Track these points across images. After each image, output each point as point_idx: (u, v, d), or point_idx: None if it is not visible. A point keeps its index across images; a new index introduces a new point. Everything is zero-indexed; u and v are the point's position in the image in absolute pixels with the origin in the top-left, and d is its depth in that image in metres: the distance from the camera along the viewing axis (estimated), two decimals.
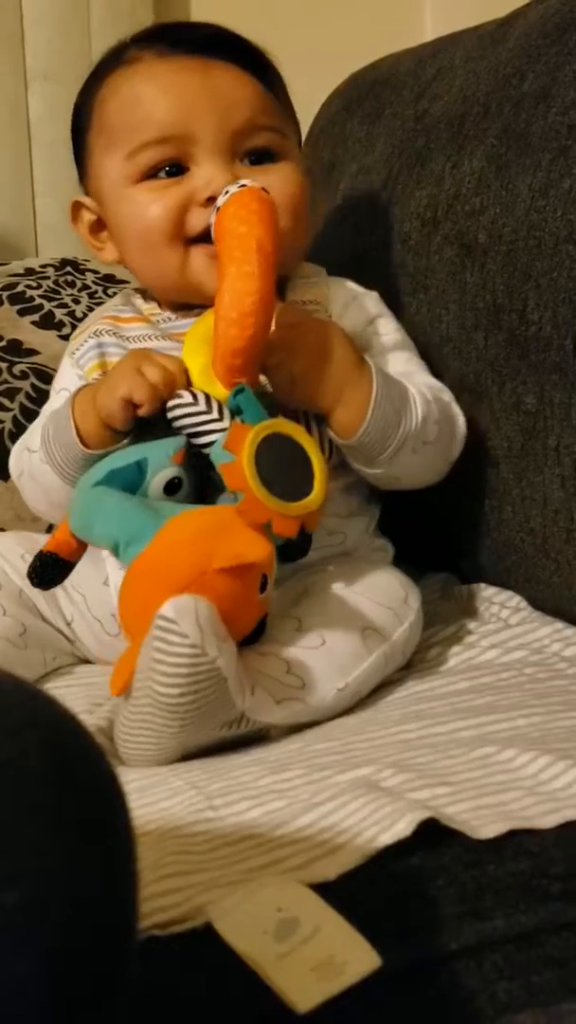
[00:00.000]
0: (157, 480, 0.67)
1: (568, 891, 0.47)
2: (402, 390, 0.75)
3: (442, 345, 0.85)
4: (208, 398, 0.68)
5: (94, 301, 1.10)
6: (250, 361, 0.68)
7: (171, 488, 0.67)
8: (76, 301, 1.10)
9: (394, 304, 0.87)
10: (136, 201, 0.77)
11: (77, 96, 0.85)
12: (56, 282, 1.12)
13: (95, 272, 1.15)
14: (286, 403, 0.72)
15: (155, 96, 0.76)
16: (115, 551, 0.64)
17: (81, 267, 1.16)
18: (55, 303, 1.09)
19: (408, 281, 0.90)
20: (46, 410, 0.83)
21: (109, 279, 1.14)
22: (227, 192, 0.70)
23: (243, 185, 0.70)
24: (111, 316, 0.83)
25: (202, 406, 0.68)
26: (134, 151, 0.76)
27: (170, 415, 0.69)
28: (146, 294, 0.86)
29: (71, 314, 1.08)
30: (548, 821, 0.51)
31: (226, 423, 0.67)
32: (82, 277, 1.14)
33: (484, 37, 0.91)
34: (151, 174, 0.76)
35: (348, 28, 1.36)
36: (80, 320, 1.07)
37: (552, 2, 0.83)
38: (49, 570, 0.68)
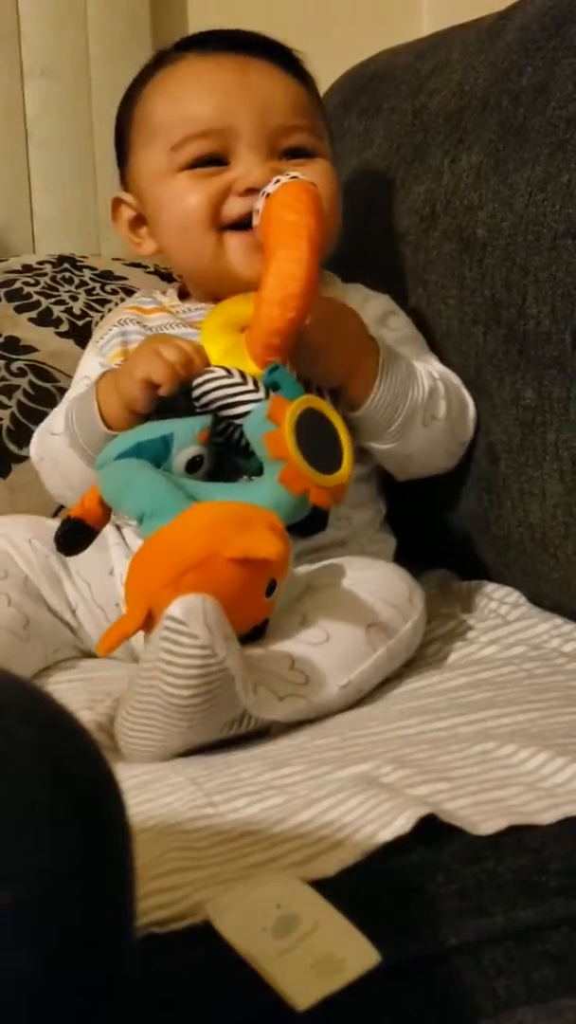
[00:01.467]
0: (181, 456, 0.69)
1: (567, 887, 0.47)
2: (407, 364, 0.79)
3: (441, 340, 0.85)
4: (242, 372, 0.70)
5: (92, 298, 1.10)
6: (288, 342, 0.70)
7: (192, 466, 0.69)
8: (74, 298, 1.10)
9: (393, 299, 0.87)
10: (176, 189, 0.80)
11: (120, 104, 0.87)
12: (54, 279, 1.12)
13: (92, 269, 1.15)
14: (306, 375, 0.74)
15: (197, 92, 0.79)
16: (140, 521, 0.65)
17: (79, 264, 1.15)
18: (53, 300, 1.09)
19: (407, 276, 0.90)
20: (69, 395, 0.86)
21: (107, 276, 1.14)
22: (278, 181, 0.73)
23: (294, 177, 0.73)
24: (134, 307, 0.87)
25: (237, 378, 0.70)
26: (178, 144, 0.79)
27: (201, 390, 0.70)
28: (167, 290, 0.89)
29: (68, 311, 1.08)
30: (548, 817, 0.51)
31: (261, 394, 0.69)
32: (80, 274, 1.13)
33: (482, 31, 0.90)
34: (192, 165, 0.79)
35: (345, 23, 1.35)
36: (78, 317, 1.07)
37: None
38: (75, 536, 0.70)
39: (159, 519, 0.64)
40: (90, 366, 0.86)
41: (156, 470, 0.67)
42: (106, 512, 0.69)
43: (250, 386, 0.69)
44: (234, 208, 0.77)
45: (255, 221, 0.75)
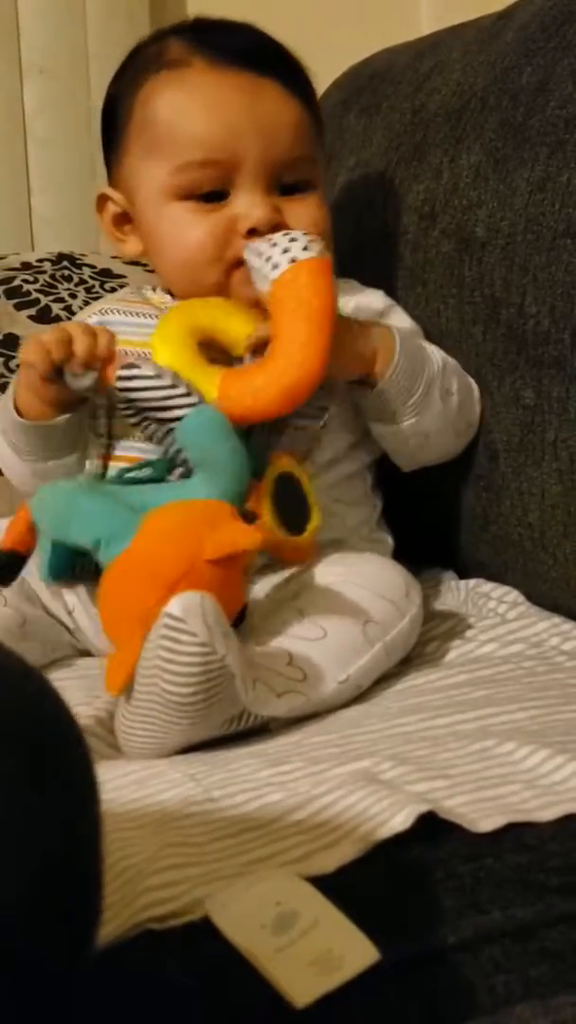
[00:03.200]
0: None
1: (566, 885, 0.47)
2: (418, 344, 0.80)
3: (440, 339, 0.85)
4: (174, 374, 0.69)
5: (91, 296, 1.10)
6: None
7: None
8: (73, 295, 1.10)
9: (392, 298, 0.87)
10: (175, 220, 0.78)
11: (111, 84, 0.85)
12: (53, 276, 1.12)
13: (92, 267, 1.15)
14: (338, 375, 0.75)
15: (204, 115, 0.77)
16: (95, 549, 0.63)
17: (78, 261, 1.15)
18: (52, 297, 1.09)
19: (406, 275, 0.90)
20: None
21: (106, 273, 1.14)
22: (293, 259, 0.71)
23: (306, 248, 0.71)
24: (120, 299, 0.86)
25: (168, 380, 0.69)
26: (178, 168, 0.77)
27: (126, 384, 0.69)
28: (155, 289, 0.88)
29: (68, 308, 1.08)
30: (547, 815, 0.51)
31: (195, 399, 0.68)
32: (79, 272, 1.13)
33: (482, 31, 0.90)
34: (190, 194, 0.78)
35: (345, 22, 1.35)
36: (76, 314, 1.07)
37: None
38: (9, 567, 0.69)
39: (118, 543, 0.62)
40: None
41: (98, 492, 0.65)
42: (34, 537, 0.68)
43: (182, 389, 0.68)
44: (240, 251, 0.76)
45: (260, 286, 0.73)
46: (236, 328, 0.74)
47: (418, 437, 0.79)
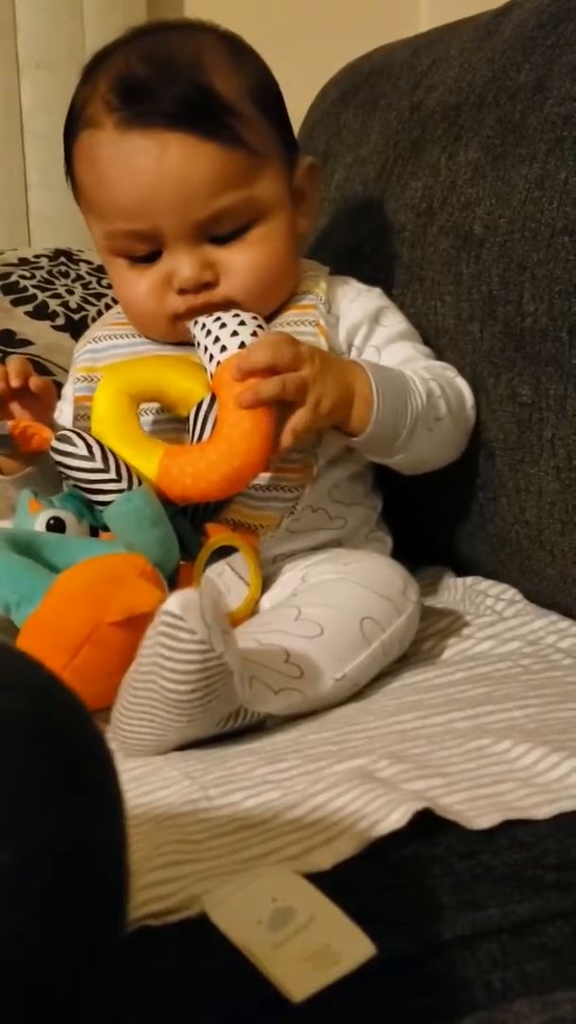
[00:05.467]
0: (40, 519, 0.70)
1: (562, 881, 0.47)
2: (397, 374, 0.78)
3: (438, 337, 0.85)
4: (104, 453, 0.69)
5: (88, 292, 1.10)
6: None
7: (53, 527, 0.70)
8: (70, 291, 1.10)
9: (389, 296, 0.87)
10: (119, 276, 0.80)
11: (67, 111, 0.82)
12: (50, 272, 1.12)
13: (89, 263, 1.15)
14: (320, 426, 0.74)
15: (117, 188, 0.75)
16: (7, 612, 0.64)
17: (75, 257, 1.15)
18: (49, 293, 1.09)
19: (403, 272, 0.90)
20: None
21: (103, 270, 1.14)
22: (242, 343, 0.71)
23: (255, 334, 0.72)
24: (110, 323, 0.86)
25: (98, 463, 0.68)
26: (108, 235, 0.78)
27: (58, 458, 0.70)
28: None
29: (65, 304, 1.08)
30: (543, 812, 0.51)
31: (124, 484, 0.68)
32: (76, 267, 1.13)
33: (479, 28, 0.90)
34: (127, 255, 0.78)
35: (343, 18, 1.35)
36: (74, 311, 1.07)
37: None
38: None
39: (27, 606, 0.63)
40: (66, 390, 0.88)
41: (11, 554, 0.65)
42: None
43: (112, 474, 0.68)
44: (178, 307, 0.76)
45: (206, 363, 0.73)
46: (182, 386, 0.73)
47: (413, 463, 0.80)
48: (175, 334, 0.79)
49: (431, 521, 0.89)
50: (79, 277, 1.12)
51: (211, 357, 0.72)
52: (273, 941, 0.42)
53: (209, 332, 0.73)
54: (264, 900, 0.44)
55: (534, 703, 0.62)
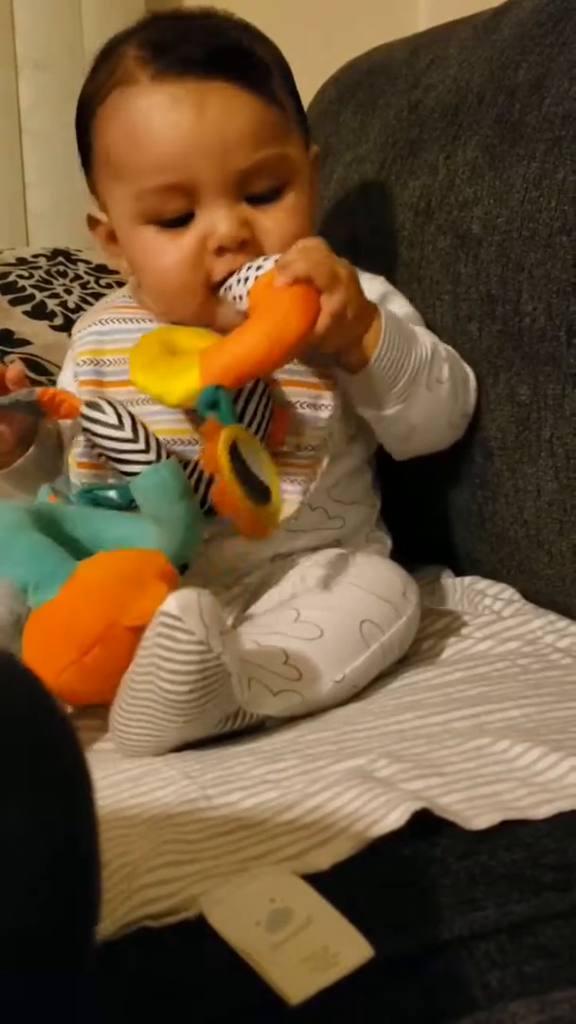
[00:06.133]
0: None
1: (560, 881, 0.47)
2: (406, 327, 0.76)
3: (435, 336, 0.85)
4: (135, 423, 0.68)
5: (86, 291, 1.10)
6: (242, 382, 0.68)
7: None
8: (68, 291, 1.10)
9: None
10: (147, 245, 0.76)
11: (79, 100, 0.82)
12: (48, 272, 1.12)
13: (87, 262, 1.15)
14: (332, 342, 0.71)
15: (154, 141, 0.73)
16: (24, 593, 0.63)
17: (73, 257, 1.15)
18: (47, 293, 1.09)
19: (401, 272, 0.90)
20: None
21: (101, 269, 1.14)
22: (260, 267, 0.70)
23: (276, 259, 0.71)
24: (116, 307, 0.84)
25: (128, 432, 0.67)
26: (139, 195, 0.75)
27: (86, 425, 0.68)
28: None
29: (63, 304, 1.08)
30: (541, 812, 0.51)
31: (152, 456, 0.67)
32: (74, 267, 1.13)
33: (478, 27, 0.90)
34: (158, 218, 0.75)
35: (342, 17, 1.35)
36: (72, 311, 1.07)
37: None
38: None
39: (45, 591, 0.61)
40: (64, 376, 0.85)
41: (36, 534, 0.64)
42: None
43: (141, 444, 0.67)
44: (217, 271, 0.74)
45: (238, 306, 0.72)
46: (202, 346, 0.71)
47: (403, 425, 0.77)
48: (206, 311, 0.75)
49: (429, 521, 0.89)
50: (77, 277, 1.12)
51: (246, 280, 0.71)
52: (271, 942, 0.42)
53: (241, 277, 0.72)
54: (262, 901, 0.44)
55: (532, 702, 0.62)
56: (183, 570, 0.68)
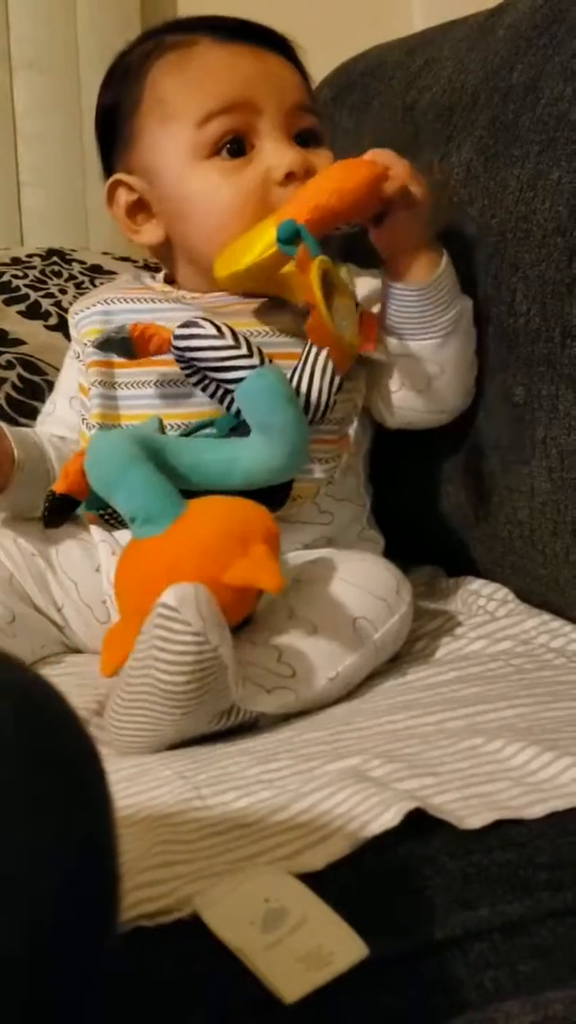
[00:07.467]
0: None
1: (554, 881, 0.47)
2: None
3: None
4: (234, 332, 0.68)
5: (81, 291, 1.10)
6: (323, 223, 0.71)
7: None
8: (63, 291, 1.10)
9: None
10: (206, 183, 0.77)
11: (105, 88, 0.84)
12: (43, 272, 1.12)
13: (82, 262, 1.15)
14: (397, 227, 0.75)
15: (219, 71, 0.78)
16: (131, 521, 0.64)
17: (68, 257, 1.15)
18: (41, 293, 1.09)
19: None
20: (46, 408, 0.90)
21: (96, 269, 1.14)
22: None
23: None
24: (120, 288, 0.85)
25: (229, 339, 0.67)
26: (200, 121, 0.77)
27: (184, 344, 0.67)
28: (154, 275, 0.88)
29: (57, 304, 1.08)
30: (535, 812, 0.51)
31: (256, 360, 0.67)
32: (68, 267, 1.13)
33: (473, 28, 0.90)
34: (218, 148, 0.77)
35: (337, 18, 1.35)
36: (67, 310, 1.06)
37: None
38: (61, 510, 0.69)
39: (152, 526, 0.62)
40: (67, 376, 0.87)
41: (145, 456, 0.64)
42: (87, 482, 0.67)
43: (244, 350, 0.67)
44: (279, 201, 0.75)
45: None
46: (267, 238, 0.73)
47: (434, 366, 0.77)
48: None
49: (423, 521, 0.89)
50: (72, 277, 1.12)
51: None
52: (266, 942, 0.42)
53: None
54: (257, 901, 0.44)
55: (526, 702, 0.62)
56: (287, 493, 0.68)
